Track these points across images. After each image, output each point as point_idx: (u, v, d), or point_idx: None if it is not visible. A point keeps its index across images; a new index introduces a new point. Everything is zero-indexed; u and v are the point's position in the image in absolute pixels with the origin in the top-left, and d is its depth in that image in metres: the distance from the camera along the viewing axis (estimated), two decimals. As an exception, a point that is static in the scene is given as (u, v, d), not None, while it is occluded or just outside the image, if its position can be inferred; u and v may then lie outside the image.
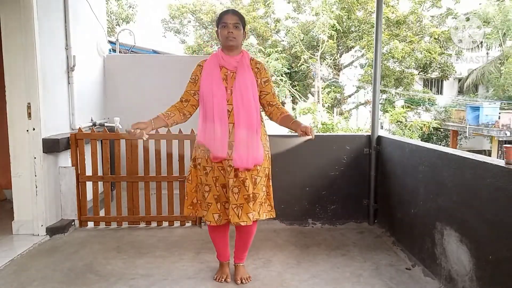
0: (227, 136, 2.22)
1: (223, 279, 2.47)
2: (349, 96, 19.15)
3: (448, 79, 19.88)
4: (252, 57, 2.40)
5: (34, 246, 3.01)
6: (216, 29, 2.37)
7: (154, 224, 3.53)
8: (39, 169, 3.16)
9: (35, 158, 3.15)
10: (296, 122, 2.25)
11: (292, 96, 17.59)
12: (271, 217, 2.40)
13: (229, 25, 2.25)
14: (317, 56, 16.70)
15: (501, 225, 1.89)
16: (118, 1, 17.57)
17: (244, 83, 2.26)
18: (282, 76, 15.73)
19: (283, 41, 18.63)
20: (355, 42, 16.94)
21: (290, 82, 16.81)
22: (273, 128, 3.31)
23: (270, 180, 2.40)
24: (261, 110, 2.40)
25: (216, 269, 2.59)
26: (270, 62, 15.18)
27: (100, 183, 3.50)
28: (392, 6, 16.66)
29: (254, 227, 2.42)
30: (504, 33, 16.85)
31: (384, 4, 15.41)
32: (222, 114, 2.22)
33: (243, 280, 2.45)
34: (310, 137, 2.12)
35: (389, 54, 16.30)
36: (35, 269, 2.61)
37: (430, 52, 16.76)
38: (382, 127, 18.08)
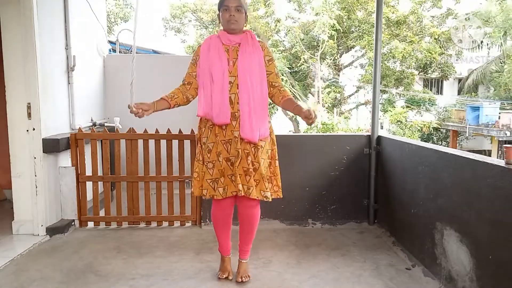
0: (227, 100, 2.21)
1: (225, 276, 2.46)
2: (349, 96, 19.14)
3: (448, 79, 19.89)
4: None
5: (34, 246, 3.01)
6: (218, 12, 2.36)
7: (154, 224, 3.53)
8: (39, 169, 3.16)
9: (35, 158, 3.15)
10: (298, 107, 2.25)
11: (293, 96, 17.59)
12: (278, 197, 2.39)
13: (231, 8, 2.25)
14: (317, 56, 16.70)
15: (501, 225, 1.89)
16: (117, 0, 17.60)
17: (250, 54, 2.26)
18: (283, 75, 15.72)
19: (283, 41, 18.63)
20: (355, 42, 16.94)
21: (291, 82, 16.81)
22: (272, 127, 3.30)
23: (277, 161, 2.40)
24: None
25: (216, 269, 2.59)
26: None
27: (100, 183, 3.50)
28: (392, 6, 16.65)
29: (257, 212, 2.40)
30: (505, 32, 16.85)
31: (384, 4, 15.39)
32: (223, 81, 2.22)
33: (242, 278, 2.43)
34: (314, 120, 2.12)
35: (389, 54, 16.30)
36: (35, 269, 2.61)
37: (430, 52, 16.75)
38: (382, 127, 18.08)
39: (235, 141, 2.24)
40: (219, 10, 2.33)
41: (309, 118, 2.11)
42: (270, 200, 2.31)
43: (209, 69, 2.26)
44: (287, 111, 17.36)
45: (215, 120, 2.24)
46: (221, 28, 2.38)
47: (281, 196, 2.41)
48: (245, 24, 2.36)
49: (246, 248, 2.48)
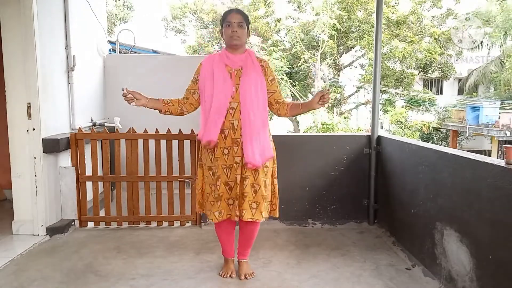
0: (221, 122, 2.24)
1: (228, 275, 2.49)
2: (349, 96, 19.14)
3: (448, 79, 19.87)
4: (256, 56, 2.42)
5: (34, 246, 3.01)
6: (220, 28, 2.38)
7: (154, 224, 3.53)
8: (39, 169, 3.16)
9: (35, 158, 3.15)
10: (304, 102, 2.32)
11: (293, 96, 17.59)
12: (275, 216, 2.47)
13: (233, 24, 2.27)
14: (317, 56, 16.69)
15: (501, 225, 1.89)
16: (116, 1, 17.61)
17: (251, 80, 2.28)
18: (283, 75, 15.72)
19: (283, 41, 18.63)
20: (355, 42, 16.93)
21: (291, 82, 16.80)
22: (272, 128, 3.31)
23: (276, 179, 2.44)
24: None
25: (216, 269, 2.61)
26: (272, 61, 15.17)
27: (100, 183, 3.50)
28: (392, 6, 16.64)
29: (257, 227, 2.46)
30: (505, 32, 16.84)
31: (384, 4, 15.39)
32: (221, 107, 2.24)
33: (247, 276, 2.47)
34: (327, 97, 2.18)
35: (390, 54, 16.29)
36: (35, 269, 2.61)
37: (430, 52, 16.74)
38: (382, 127, 18.08)
39: (236, 167, 2.27)
40: (221, 25, 2.36)
41: (324, 95, 2.18)
42: (264, 219, 2.36)
43: (211, 92, 2.27)
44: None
45: (205, 138, 2.27)
46: (224, 45, 2.41)
47: (277, 216, 2.49)
48: (247, 39, 2.39)
49: (245, 252, 2.54)
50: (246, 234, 2.47)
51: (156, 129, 3.47)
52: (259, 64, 2.36)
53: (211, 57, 2.39)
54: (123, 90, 2.23)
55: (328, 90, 2.20)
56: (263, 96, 2.32)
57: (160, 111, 2.39)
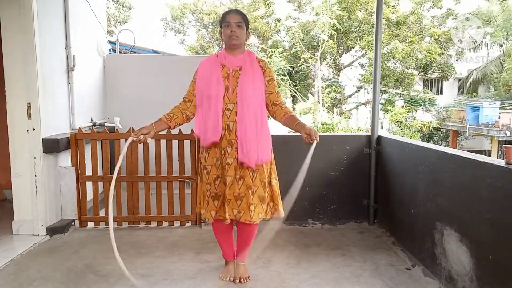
0: (220, 122, 2.23)
1: (227, 279, 2.47)
2: (349, 96, 19.14)
3: (448, 79, 19.88)
4: (256, 56, 2.41)
5: (34, 246, 3.01)
6: (219, 29, 2.37)
7: (154, 224, 3.53)
8: (39, 169, 3.16)
9: (35, 158, 3.15)
10: (300, 124, 2.27)
11: (293, 96, 17.59)
12: (278, 216, 2.42)
13: (232, 24, 2.26)
14: (317, 56, 16.69)
15: (501, 225, 1.89)
16: (116, 3, 17.61)
17: (248, 81, 2.27)
18: (283, 75, 15.72)
19: (283, 41, 18.63)
20: (355, 43, 16.93)
21: (291, 82, 16.81)
22: (272, 127, 3.30)
23: (274, 180, 2.42)
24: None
25: (216, 269, 2.61)
26: (273, 61, 15.16)
27: (100, 183, 3.50)
28: (392, 6, 16.65)
29: (254, 228, 2.44)
30: (507, 32, 16.83)
31: (385, 4, 15.40)
32: (217, 105, 2.23)
33: (242, 280, 2.44)
34: (314, 143, 2.15)
35: (390, 54, 16.29)
36: (35, 269, 2.61)
37: (430, 53, 16.74)
38: (382, 127, 18.07)
39: (227, 168, 2.27)
40: (220, 26, 2.35)
41: (311, 137, 2.16)
42: (259, 220, 2.34)
43: (206, 94, 2.28)
44: (291, 102, 17.49)
45: (205, 138, 2.27)
46: (223, 46, 2.40)
47: (282, 215, 2.43)
48: (246, 40, 2.37)
49: (243, 254, 2.51)
50: (243, 237, 2.46)
51: (156, 129, 3.46)
52: (258, 64, 2.35)
53: (209, 58, 2.39)
54: (133, 140, 2.24)
55: (315, 134, 2.18)
56: (261, 98, 2.31)
57: (169, 129, 2.39)
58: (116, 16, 17.59)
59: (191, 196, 3.48)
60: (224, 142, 2.27)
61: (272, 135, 2.49)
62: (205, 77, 2.31)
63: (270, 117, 2.43)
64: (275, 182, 2.42)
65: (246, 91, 2.25)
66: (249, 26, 2.40)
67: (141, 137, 2.23)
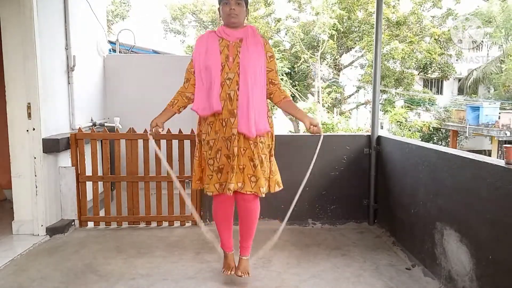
0: (218, 91, 2.22)
1: (228, 272, 2.42)
2: (349, 96, 19.15)
3: (448, 79, 19.90)
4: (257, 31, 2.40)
5: (34, 246, 3.01)
6: (218, 6, 2.35)
7: (154, 224, 3.53)
8: (39, 169, 3.16)
9: (35, 158, 3.15)
10: (301, 112, 2.28)
11: (292, 96, 17.60)
12: (280, 188, 2.43)
13: (231, 1, 2.24)
14: (317, 56, 16.69)
15: (501, 225, 1.89)
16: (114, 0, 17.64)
17: (250, 51, 2.25)
18: (283, 75, 15.72)
19: (283, 41, 18.64)
20: (355, 43, 16.94)
21: (291, 82, 16.81)
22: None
23: (273, 156, 2.42)
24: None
25: (216, 269, 2.60)
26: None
27: (100, 183, 3.50)
28: (392, 6, 16.65)
29: (255, 207, 2.39)
30: (507, 33, 16.83)
31: (385, 4, 15.40)
32: (216, 74, 2.23)
33: (243, 273, 2.39)
34: (322, 136, 2.15)
35: (389, 55, 16.29)
36: (35, 269, 2.61)
37: (430, 53, 16.75)
38: (382, 127, 18.08)
39: (234, 138, 2.24)
40: (219, 4, 2.32)
41: (315, 125, 2.17)
42: (263, 195, 2.32)
43: (203, 65, 2.27)
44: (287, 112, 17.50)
45: (203, 112, 2.27)
46: (222, 23, 2.37)
47: (274, 191, 2.41)
48: (246, 18, 2.35)
49: (246, 245, 2.46)
50: (244, 217, 2.39)
51: (156, 129, 3.46)
52: (259, 37, 2.33)
53: (206, 33, 2.37)
54: (150, 135, 2.36)
55: (321, 132, 2.20)
56: (262, 68, 2.28)
57: (175, 113, 2.40)
58: (113, 11, 17.59)
59: (191, 196, 3.48)
60: (225, 112, 2.25)
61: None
62: (203, 49, 2.29)
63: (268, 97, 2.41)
64: (273, 160, 2.41)
65: (248, 60, 2.23)
66: (248, 4, 2.37)
67: (153, 130, 2.31)
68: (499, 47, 17.97)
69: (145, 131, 3.40)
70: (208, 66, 2.25)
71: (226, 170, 2.28)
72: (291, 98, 2.37)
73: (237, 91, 2.23)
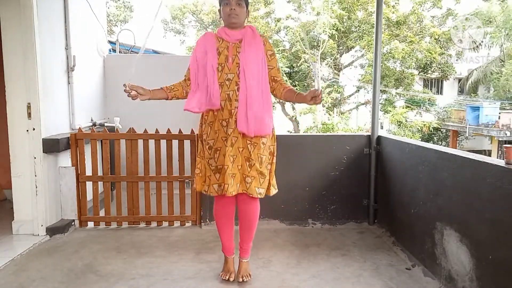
0: (218, 89, 2.22)
1: (227, 277, 2.43)
2: (349, 96, 19.14)
3: (448, 79, 19.89)
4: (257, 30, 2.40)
5: (34, 246, 3.01)
6: (219, 7, 2.35)
7: (154, 224, 3.53)
8: (39, 169, 3.16)
9: (35, 158, 3.15)
10: (301, 94, 2.26)
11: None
12: (269, 194, 2.38)
13: (232, 2, 2.24)
14: (318, 56, 16.69)
15: (501, 225, 1.89)
16: (116, 2, 17.63)
17: (250, 51, 2.25)
18: (283, 75, 15.71)
19: (283, 41, 18.64)
20: (355, 42, 16.94)
21: (291, 82, 16.81)
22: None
23: (275, 158, 2.40)
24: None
25: (216, 269, 2.60)
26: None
27: (100, 183, 3.50)
28: (392, 6, 16.65)
29: (255, 208, 2.39)
30: (507, 33, 16.83)
31: (385, 4, 15.40)
32: (212, 73, 2.23)
33: (244, 277, 2.42)
34: (319, 99, 2.13)
35: (389, 54, 16.29)
36: (35, 269, 2.61)
37: (430, 53, 16.75)
38: (382, 127, 18.08)
39: (232, 138, 2.24)
40: (220, 4, 2.33)
41: (317, 96, 2.12)
42: (263, 196, 2.32)
43: (202, 63, 2.28)
44: (291, 103, 17.49)
45: (196, 109, 2.26)
46: (222, 24, 2.38)
47: (271, 194, 2.38)
48: (246, 19, 2.36)
49: (246, 247, 2.46)
50: (244, 219, 2.39)
51: (156, 129, 3.47)
52: (259, 36, 2.33)
53: (207, 34, 2.38)
54: (124, 86, 2.18)
55: (321, 91, 2.15)
56: (263, 67, 2.28)
57: (166, 99, 2.37)
58: (117, 15, 17.60)
59: (191, 196, 3.48)
60: (225, 112, 2.25)
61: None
62: (202, 48, 2.30)
63: (271, 94, 2.40)
64: (274, 161, 2.40)
65: (247, 61, 2.23)
66: (249, 5, 2.38)
67: (133, 92, 2.21)
68: (500, 48, 17.97)
69: (145, 130, 3.43)
70: (205, 66, 2.26)
71: (224, 171, 2.28)
72: (291, 87, 2.36)
73: (237, 92, 2.23)
